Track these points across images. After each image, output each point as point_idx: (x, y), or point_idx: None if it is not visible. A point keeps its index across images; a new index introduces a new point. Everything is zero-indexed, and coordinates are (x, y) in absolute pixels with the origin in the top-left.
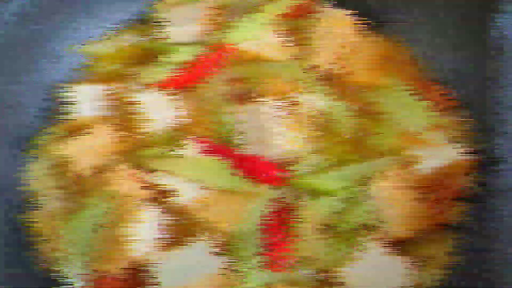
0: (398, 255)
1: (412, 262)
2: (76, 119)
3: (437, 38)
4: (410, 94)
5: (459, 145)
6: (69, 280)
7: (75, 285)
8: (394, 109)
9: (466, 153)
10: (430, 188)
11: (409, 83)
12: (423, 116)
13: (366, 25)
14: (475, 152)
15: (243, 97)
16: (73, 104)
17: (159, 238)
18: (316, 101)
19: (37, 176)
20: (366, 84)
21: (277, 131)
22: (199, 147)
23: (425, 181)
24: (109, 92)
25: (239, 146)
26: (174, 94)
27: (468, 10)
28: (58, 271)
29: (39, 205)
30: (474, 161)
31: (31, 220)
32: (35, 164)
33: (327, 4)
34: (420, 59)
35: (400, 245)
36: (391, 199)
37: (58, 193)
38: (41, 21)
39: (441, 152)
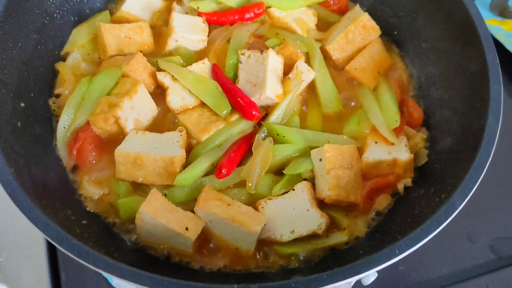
0: (317, 208)
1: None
2: (124, 12)
3: (438, 69)
4: (389, 99)
5: (407, 150)
6: (60, 125)
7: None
8: (371, 106)
9: (409, 159)
10: (369, 174)
11: (392, 91)
12: (391, 119)
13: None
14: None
15: (255, 48)
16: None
17: (143, 121)
18: (308, 74)
19: (77, 40)
20: (360, 79)
21: (270, 81)
22: (207, 69)
23: (368, 167)
24: (158, 5)
25: (236, 81)
26: (207, 25)
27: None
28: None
29: (71, 60)
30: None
31: (60, 69)
32: (80, 31)
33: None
34: (413, 80)
35: (322, 204)
36: (332, 168)
37: (87, 58)
38: None
39: (390, 150)
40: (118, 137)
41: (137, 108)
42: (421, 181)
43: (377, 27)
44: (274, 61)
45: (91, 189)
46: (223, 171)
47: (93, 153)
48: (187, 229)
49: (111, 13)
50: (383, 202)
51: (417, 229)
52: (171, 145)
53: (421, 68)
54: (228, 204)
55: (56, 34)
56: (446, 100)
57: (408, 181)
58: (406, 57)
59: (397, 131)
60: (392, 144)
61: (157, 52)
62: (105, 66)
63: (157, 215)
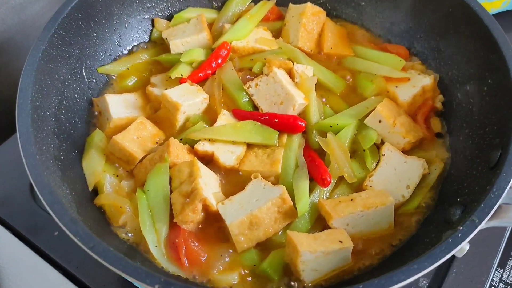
0: (410, 156)
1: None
2: (117, 120)
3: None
4: (375, 53)
5: (424, 75)
6: (151, 248)
7: (156, 250)
8: (368, 65)
9: (432, 80)
10: (412, 111)
11: (370, 46)
12: (394, 62)
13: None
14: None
15: (247, 80)
16: (109, 111)
17: (218, 191)
18: (308, 70)
19: (95, 169)
20: (340, 54)
21: (292, 90)
22: (230, 117)
23: (409, 106)
24: (134, 99)
25: (261, 110)
26: (198, 84)
27: None
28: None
29: (108, 186)
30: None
31: (105, 202)
32: (90, 160)
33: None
34: (375, 31)
35: (406, 153)
36: (394, 119)
37: (118, 177)
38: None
39: (412, 83)
40: (208, 221)
41: (208, 183)
42: None
43: (322, 9)
44: (282, 75)
45: (227, 278)
46: (327, 178)
47: (201, 248)
48: (341, 241)
49: (101, 129)
50: (437, 123)
51: None
52: (263, 190)
53: (371, 17)
54: (351, 200)
55: (74, 175)
56: (413, 28)
57: (440, 97)
58: (353, 19)
59: (403, 69)
60: (409, 79)
61: (169, 135)
62: (141, 172)
63: (314, 248)
